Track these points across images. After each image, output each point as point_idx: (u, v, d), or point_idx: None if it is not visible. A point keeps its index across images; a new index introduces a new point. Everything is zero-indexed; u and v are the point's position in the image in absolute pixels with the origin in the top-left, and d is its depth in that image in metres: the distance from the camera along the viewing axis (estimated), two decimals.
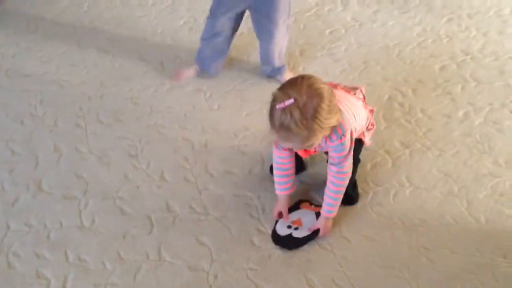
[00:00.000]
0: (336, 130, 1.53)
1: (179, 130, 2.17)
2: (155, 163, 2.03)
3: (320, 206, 1.81)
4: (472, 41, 2.60)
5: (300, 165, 1.93)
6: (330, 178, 1.68)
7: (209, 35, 2.23)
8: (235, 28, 2.23)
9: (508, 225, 1.78)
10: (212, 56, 2.32)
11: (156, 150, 2.08)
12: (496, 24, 2.69)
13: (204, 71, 2.38)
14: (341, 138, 1.56)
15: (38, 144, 2.10)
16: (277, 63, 2.31)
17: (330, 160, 1.65)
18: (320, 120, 1.40)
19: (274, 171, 1.77)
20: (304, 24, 2.74)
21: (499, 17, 2.73)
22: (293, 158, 1.74)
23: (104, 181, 1.95)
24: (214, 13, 2.16)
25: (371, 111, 1.82)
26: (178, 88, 2.38)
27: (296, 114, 1.37)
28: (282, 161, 1.73)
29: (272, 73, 2.37)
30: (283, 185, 1.77)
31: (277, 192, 1.79)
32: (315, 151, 1.71)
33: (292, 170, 1.76)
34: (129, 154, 2.06)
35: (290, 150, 1.72)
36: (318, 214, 1.79)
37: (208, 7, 2.16)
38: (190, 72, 2.39)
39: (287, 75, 2.34)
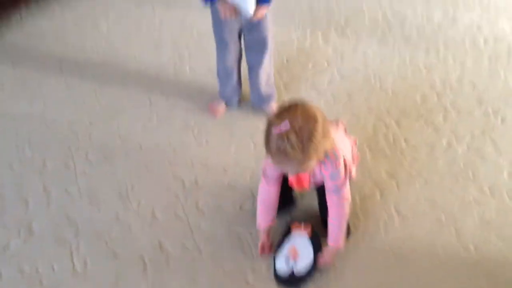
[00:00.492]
0: (329, 156, 1.57)
1: (168, 167, 2.19)
2: (146, 201, 2.03)
3: (309, 224, 1.85)
4: (450, 70, 2.69)
5: (290, 199, 1.96)
6: (332, 208, 1.69)
7: (223, 74, 2.34)
8: (239, 59, 2.32)
9: (496, 253, 1.82)
10: (232, 93, 2.43)
11: (146, 188, 2.09)
12: (472, 53, 2.79)
13: (229, 106, 2.48)
14: (336, 164, 1.59)
15: (28, 187, 2.09)
16: (263, 89, 2.37)
17: (328, 189, 1.67)
18: (315, 143, 1.43)
19: (259, 203, 1.79)
20: (286, 58, 2.80)
21: (474, 46, 2.83)
22: (279, 191, 1.77)
23: (95, 222, 1.95)
24: (219, 43, 2.23)
25: (354, 141, 1.86)
26: (166, 123, 2.40)
27: (293, 137, 1.40)
28: (268, 193, 1.76)
29: (260, 102, 2.42)
30: (264, 216, 1.79)
31: (258, 225, 1.81)
32: (308, 185, 1.74)
33: (276, 204, 1.79)
34: (119, 193, 2.07)
35: (277, 181, 1.74)
36: (312, 239, 1.81)
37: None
38: (222, 106, 2.47)
39: (274, 106, 2.40)
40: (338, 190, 1.65)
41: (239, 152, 2.25)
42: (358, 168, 1.91)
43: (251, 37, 2.18)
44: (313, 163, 1.49)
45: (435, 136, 2.32)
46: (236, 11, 2.03)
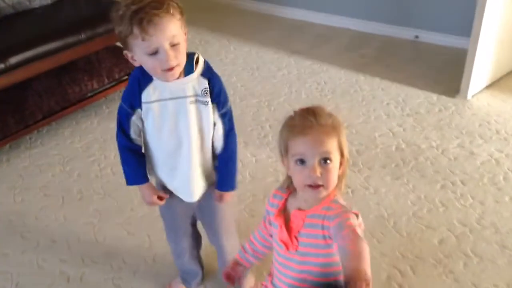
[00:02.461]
0: (336, 201, 1.35)
1: None
2: None
3: None
4: (469, 210, 2.52)
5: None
6: (343, 246, 1.25)
7: (175, 254, 2.05)
8: (194, 245, 2.03)
9: None
10: (186, 276, 2.11)
11: None
12: (492, 191, 2.62)
13: None
14: (344, 207, 1.33)
15: None
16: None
17: (334, 234, 1.29)
18: (340, 122, 1.34)
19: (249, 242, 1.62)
20: None
21: (494, 184, 2.67)
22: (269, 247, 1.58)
23: None
24: (168, 229, 1.98)
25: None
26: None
27: (319, 108, 1.34)
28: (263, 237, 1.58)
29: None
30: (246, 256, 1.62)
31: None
32: (293, 242, 1.41)
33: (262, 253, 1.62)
34: None
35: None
36: None
37: None
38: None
39: (248, 283, 2.10)
40: (349, 226, 1.27)
41: None
42: None
43: (204, 221, 1.92)
44: (333, 145, 1.31)
45: None
46: (172, 196, 1.78)
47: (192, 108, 1.59)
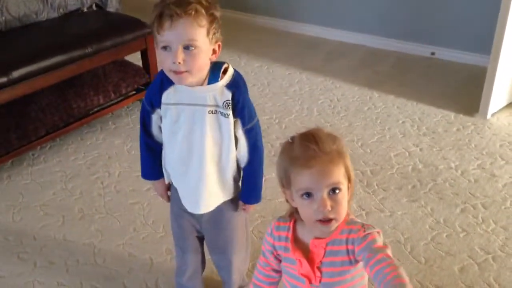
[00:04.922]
0: (354, 221, 1.30)
1: None
2: None
3: None
4: (491, 236, 2.36)
5: None
6: (382, 271, 1.15)
7: (177, 271, 1.97)
8: (199, 265, 1.94)
9: None
10: None
11: None
12: None
13: None
14: (366, 225, 1.28)
15: None
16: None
17: (365, 257, 1.22)
18: (344, 146, 1.27)
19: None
20: None
21: None
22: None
23: None
24: (176, 242, 1.92)
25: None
26: None
27: (321, 133, 1.27)
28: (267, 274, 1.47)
29: None
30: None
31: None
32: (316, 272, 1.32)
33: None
34: None
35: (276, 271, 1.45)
36: None
37: None
38: None
39: None
40: (381, 250, 1.20)
41: None
42: None
43: (209, 236, 1.83)
44: (341, 173, 1.23)
45: None
46: (181, 206, 1.74)
47: (210, 118, 1.56)
